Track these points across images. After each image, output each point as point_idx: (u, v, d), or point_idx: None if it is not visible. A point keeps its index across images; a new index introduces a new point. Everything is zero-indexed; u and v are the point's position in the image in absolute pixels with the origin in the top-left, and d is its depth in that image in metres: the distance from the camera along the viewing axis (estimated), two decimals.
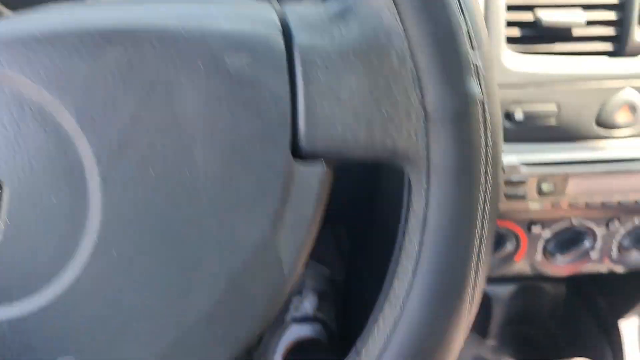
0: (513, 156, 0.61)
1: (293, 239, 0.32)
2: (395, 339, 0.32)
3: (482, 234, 0.31)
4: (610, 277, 0.89)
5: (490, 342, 1.01)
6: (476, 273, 0.32)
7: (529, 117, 0.59)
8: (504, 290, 0.95)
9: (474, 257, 0.31)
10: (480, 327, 0.99)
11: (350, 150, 0.31)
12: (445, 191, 0.30)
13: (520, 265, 0.75)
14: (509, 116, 0.59)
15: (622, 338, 0.87)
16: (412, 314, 0.32)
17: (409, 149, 0.31)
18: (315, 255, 1.15)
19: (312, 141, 0.31)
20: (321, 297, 1.08)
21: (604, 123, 0.61)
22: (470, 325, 0.34)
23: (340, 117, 0.30)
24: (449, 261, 0.31)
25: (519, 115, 0.59)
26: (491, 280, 0.91)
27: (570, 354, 0.89)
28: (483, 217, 0.31)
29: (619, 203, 0.65)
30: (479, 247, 0.31)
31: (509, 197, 0.63)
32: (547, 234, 0.72)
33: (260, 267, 0.31)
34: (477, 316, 0.98)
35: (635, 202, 0.65)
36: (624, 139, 0.62)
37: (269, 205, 0.31)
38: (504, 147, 0.63)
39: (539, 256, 0.74)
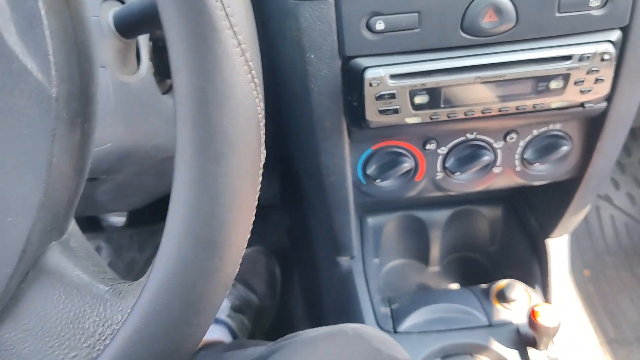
0: (379, 69, 0.60)
1: (31, 39, 0.31)
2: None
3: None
4: (539, 197, 0.88)
5: (434, 269, 1.01)
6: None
7: (390, 27, 0.59)
8: (439, 216, 0.96)
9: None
10: (422, 254, 1.00)
11: None
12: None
13: (424, 185, 0.75)
14: (369, 27, 0.59)
15: (548, 256, 0.86)
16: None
17: None
18: (247, 283, 1.15)
19: None
20: (236, 309, 1.10)
21: (470, 29, 0.59)
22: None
23: None
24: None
25: (380, 26, 0.59)
26: (419, 206, 0.92)
27: (509, 276, 0.89)
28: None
29: (500, 110, 0.64)
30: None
31: (383, 112, 0.63)
32: (443, 150, 0.72)
33: (12, 81, 0.31)
34: (417, 244, 0.99)
35: (517, 108, 0.64)
36: (493, 46, 0.61)
37: None
38: (369, 60, 0.63)
39: (439, 174, 0.74)
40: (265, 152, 0.32)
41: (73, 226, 0.39)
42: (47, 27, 0.31)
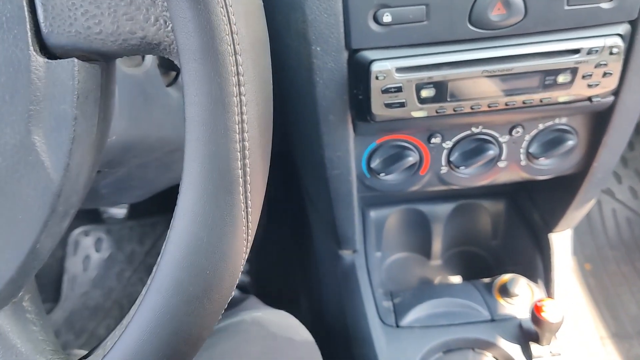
0: (386, 62, 0.60)
1: (55, 139, 0.32)
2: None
3: (242, 120, 0.31)
4: (543, 191, 0.88)
5: (436, 262, 1.01)
6: (243, 156, 0.31)
7: (397, 19, 0.58)
8: (442, 209, 0.95)
9: (238, 137, 0.31)
10: (424, 248, 1.00)
11: (99, 42, 0.31)
12: (196, 75, 0.30)
13: (428, 179, 0.74)
14: (376, 19, 0.58)
15: (551, 250, 0.86)
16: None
17: (158, 35, 0.31)
18: None
19: (56, 35, 0.31)
20: None
21: (478, 22, 0.59)
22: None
23: (80, 6, 0.30)
24: (211, 144, 0.30)
25: (387, 18, 0.58)
26: (421, 199, 0.91)
27: (511, 270, 0.89)
28: (239, 102, 0.30)
29: (506, 104, 0.63)
30: (241, 130, 0.31)
31: (389, 105, 0.62)
32: (448, 144, 0.71)
33: (24, 170, 0.32)
34: (419, 238, 0.98)
35: (524, 102, 0.63)
36: (501, 39, 0.60)
37: (20, 105, 0.31)
38: (376, 53, 0.62)
39: (444, 168, 0.73)
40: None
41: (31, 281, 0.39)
42: (73, 132, 0.32)
